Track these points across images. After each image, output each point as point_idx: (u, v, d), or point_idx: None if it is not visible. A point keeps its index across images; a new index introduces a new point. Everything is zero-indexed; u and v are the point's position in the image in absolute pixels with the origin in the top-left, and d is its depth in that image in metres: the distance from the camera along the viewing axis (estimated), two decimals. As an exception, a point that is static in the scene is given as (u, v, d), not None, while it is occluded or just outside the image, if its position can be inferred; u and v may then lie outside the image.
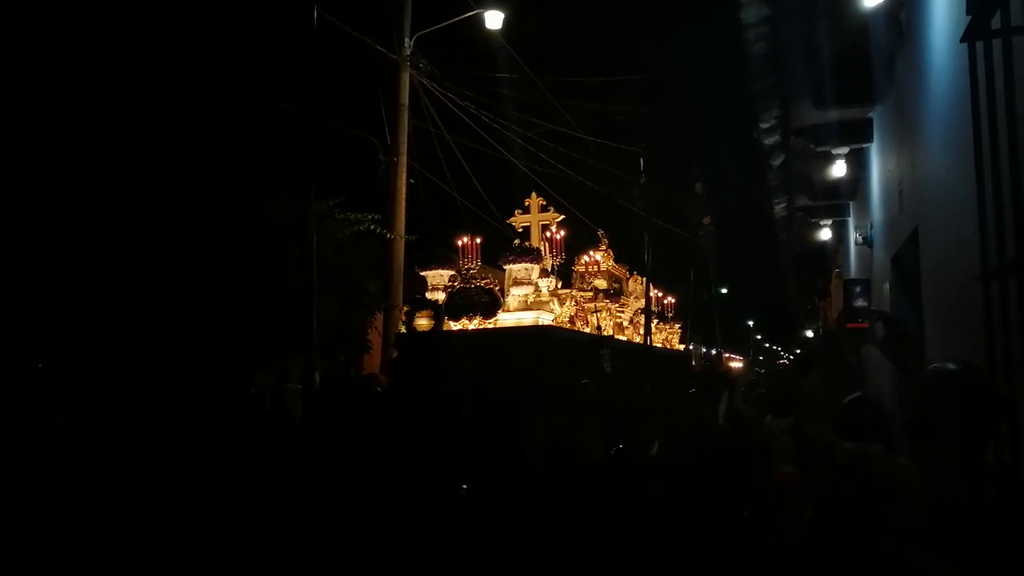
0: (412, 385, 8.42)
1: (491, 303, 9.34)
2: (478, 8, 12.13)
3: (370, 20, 12.15)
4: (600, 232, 13.04)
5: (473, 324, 9.27)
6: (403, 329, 9.83)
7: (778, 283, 26.00)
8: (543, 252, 9.98)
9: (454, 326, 9.37)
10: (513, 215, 11.07)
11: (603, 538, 4.80)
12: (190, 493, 5.88)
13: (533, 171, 14.35)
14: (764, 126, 8.72)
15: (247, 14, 11.37)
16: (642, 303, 12.86)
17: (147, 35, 11.41)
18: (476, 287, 9.47)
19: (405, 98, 12.73)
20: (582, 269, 12.36)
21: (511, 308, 9.41)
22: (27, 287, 10.14)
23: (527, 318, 9.20)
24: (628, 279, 13.48)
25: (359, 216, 12.30)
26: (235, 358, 10.26)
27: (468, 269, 9.74)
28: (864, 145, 8.27)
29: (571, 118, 14.81)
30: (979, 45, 3.09)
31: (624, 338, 11.92)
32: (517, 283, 9.54)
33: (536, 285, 9.51)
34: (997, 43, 2.97)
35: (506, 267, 9.72)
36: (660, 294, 15.48)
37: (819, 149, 8.33)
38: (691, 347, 21.44)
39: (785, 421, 4.40)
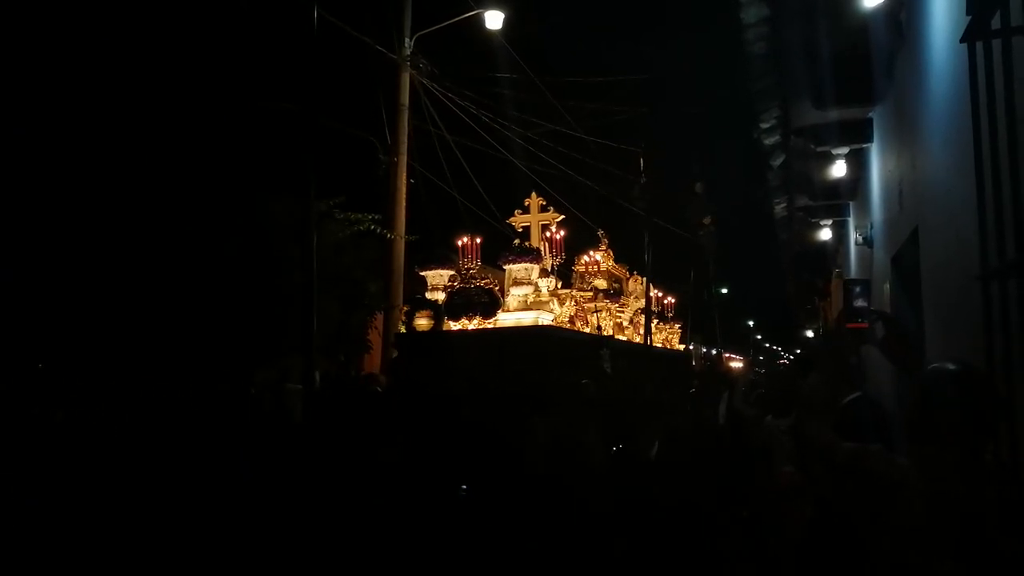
0: (412, 385, 8.42)
1: (491, 303, 9.34)
2: (478, 8, 12.13)
3: (370, 20, 12.16)
4: (600, 232, 13.03)
5: (473, 324, 9.27)
6: (403, 329, 9.83)
7: (778, 283, 26.01)
8: (543, 252, 9.97)
9: (454, 326, 9.37)
10: (513, 215, 11.07)
11: (603, 538, 4.80)
12: (190, 493, 5.88)
13: (533, 171, 14.37)
14: (764, 126, 8.73)
15: (247, 14, 11.38)
16: (642, 303, 12.85)
17: (147, 35, 11.41)
18: (476, 287, 9.46)
19: (405, 98, 12.73)
20: (582, 269, 12.36)
21: (511, 308, 9.41)
22: (27, 287, 10.14)
23: (527, 318, 9.20)
24: (628, 279, 13.47)
25: (359, 216, 12.30)
26: (235, 358, 10.26)
27: (468, 269, 9.74)
28: (864, 145, 8.27)
29: (571, 118, 14.82)
30: (979, 45, 3.09)
31: (624, 338, 11.91)
32: (517, 283, 9.54)
33: (536, 285, 9.50)
34: (997, 43, 2.98)
35: (506, 267, 9.72)
36: (660, 294, 15.47)
37: (819, 149, 8.33)
38: (691, 347, 21.44)
39: (785, 421, 4.40)
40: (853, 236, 9.95)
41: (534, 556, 4.76)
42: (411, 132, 12.87)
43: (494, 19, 11.98)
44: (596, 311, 10.88)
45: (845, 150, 8.34)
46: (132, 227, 10.77)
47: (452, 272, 9.80)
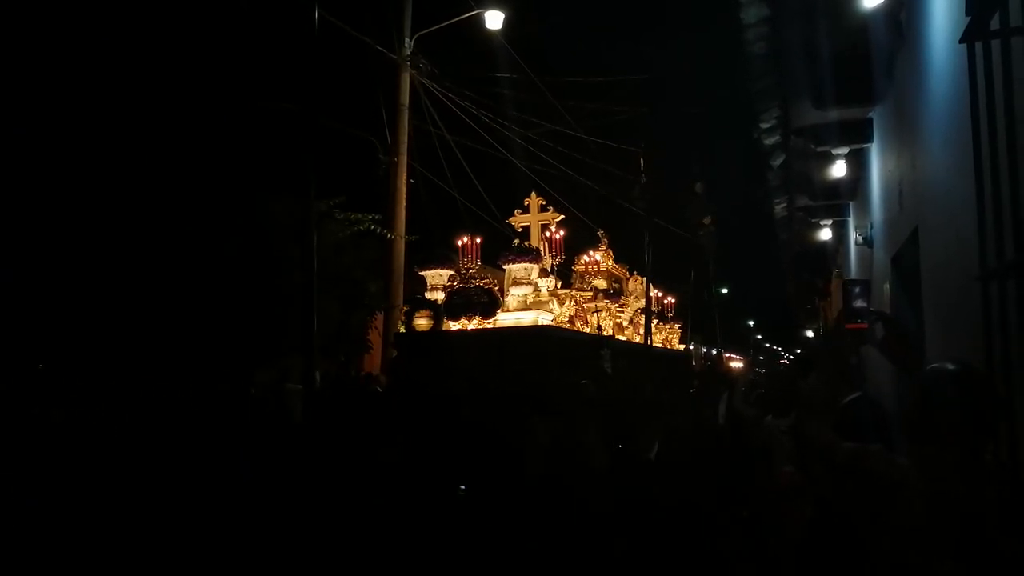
0: (412, 385, 8.42)
1: (490, 303, 9.34)
2: (478, 8, 12.13)
3: (370, 20, 12.17)
4: (600, 232, 13.05)
5: (472, 324, 9.27)
6: (402, 329, 9.83)
7: (778, 283, 26.02)
8: (543, 252, 9.98)
9: (453, 326, 9.37)
10: (513, 215, 11.08)
11: (603, 538, 4.80)
12: (190, 493, 5.88)
13: (533, 171, 14.37)
14: (764, 126, 8.73)
15: (247, 14, 11.38)
16: (642, 303, 12.86)
17: (148, 35, 11.41)
18: (475, 287, 9.47)
19: (405, 98, 12.74)
20: (582, 269, 12.37)
21: (510, 308, 9.41)
22: (27, 287, 10.14)
23: (526, 318, 9.20)
24: (628, 279, 13.48)
25: (359, 216, 12.31)
26: (235, 358, 10.27)
27: (467, 269, 9.74)
28: (864, 145, 8.27)
29: (571, 118, 14.82)
30: (978, 46, 3.09)
31: (624, 338, 11.92)
32: (516, 283, 9.54)
33: (535, 285, 9.51)
34: (996, 44, 2.98)
35: (505, 267, 9.73)
36: (660, 294, 15.48)
37: (819, 149, 8.33)
38: (691, 347, 21.45)
39: (785, 421, 4.40)
40: (853, 236, 9.95)
41: (534, 556, 4.76)
42: (411, 132, 12.88)
43: (494, 19, 11.98)
44: (596, 311, 10.88)
45: (845, 150, 8.34)
46: (132, 227, 10.77)
47: (452, 272, 9.80)
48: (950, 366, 2.20)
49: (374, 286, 12.75)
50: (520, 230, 10.85)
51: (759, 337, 54.64)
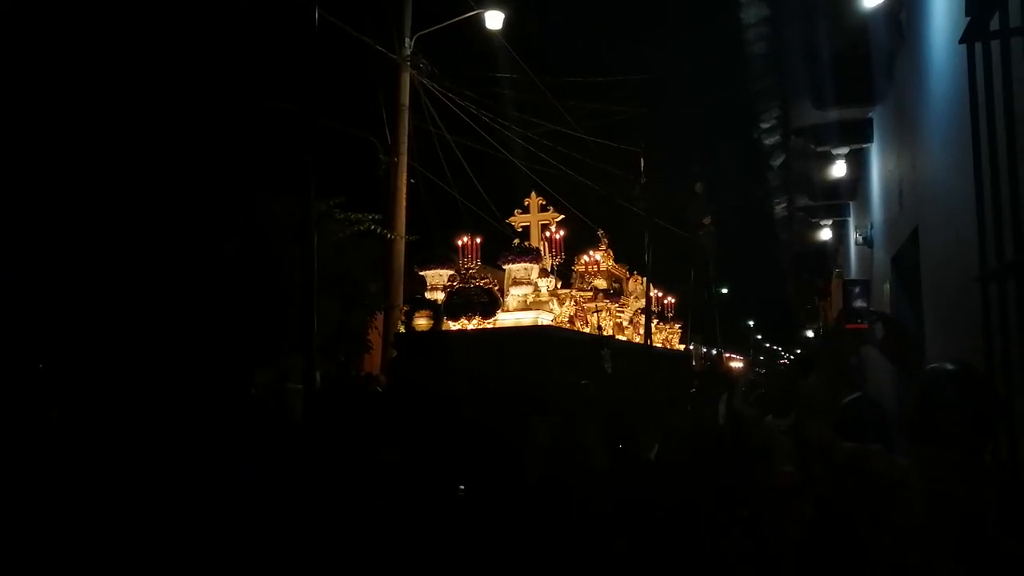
0: (412, 385, 8.42)
1: (490, 303, 9.34)
2: (478, 8, 12.13)
3: (370, 20, 12.17)
4: (600, 232, 13.05)
5: (472, 324, 9.27)
6: (402, 329, 9.83)
7: (778, 283, 26.02)
8: (543, 252, 9.98)
9: (453, 326, 9.37)
10: (513, 215, 11.08)
11: (603, 538, 4.80)
12: (190, 492, 5.88)
13: (533, 171, 14.37)
14: (764, 126, 8.72)
15: (247, 14, 11.38)
16: (642, 303, 12.86)
17: (148, 35, 11.41)
18: (475, 287, 9.47)
19: (405, 98, 12.74)
20: (582, 269, 12.37)
21: (510, 308, 9.41)
22: (27, 287, 10.14)
23: (526, 318, 9.20)
24: (628, 279, 13.48)
25: (359, 216, 12.31)
26: (235, 358, 10.27)
27: (467, 269, 9.74)
28: (864, 145, 8.27)
29: (571, 118, 14.82)
30: (978, 46, 3.09)
31: (624, 338, 11.91)
32: (516, 283, 9.54)
33: (535, 285, 9.50)
34: (996, 44, 2.98)
35: (505, 267, 9.72)
36: (660, 294, 15.48)
37: (819, 149, 8.33)
38: (691, 347, 21.45)
39: (785, 421, 4.40)
40: (853, 236, 9.95)
41: (534, 556, 4.76)
42: (411, 132, 12.88)
43: (494, 19, 11.98)
44: (596, 311, 10.88)
45: (845, 150, 8.34)
46: (132, 227, 10.77)
47: (452, 272, 9.80)
48: (950, 366, 2.20)
49: (374, 286, 12.75)
50: (520, 230, 10.85)
51: (759, 337, 54.67)
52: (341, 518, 5.57)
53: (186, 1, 11.84)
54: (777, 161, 9.87)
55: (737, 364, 27.51)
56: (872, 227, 8.70)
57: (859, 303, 2.90)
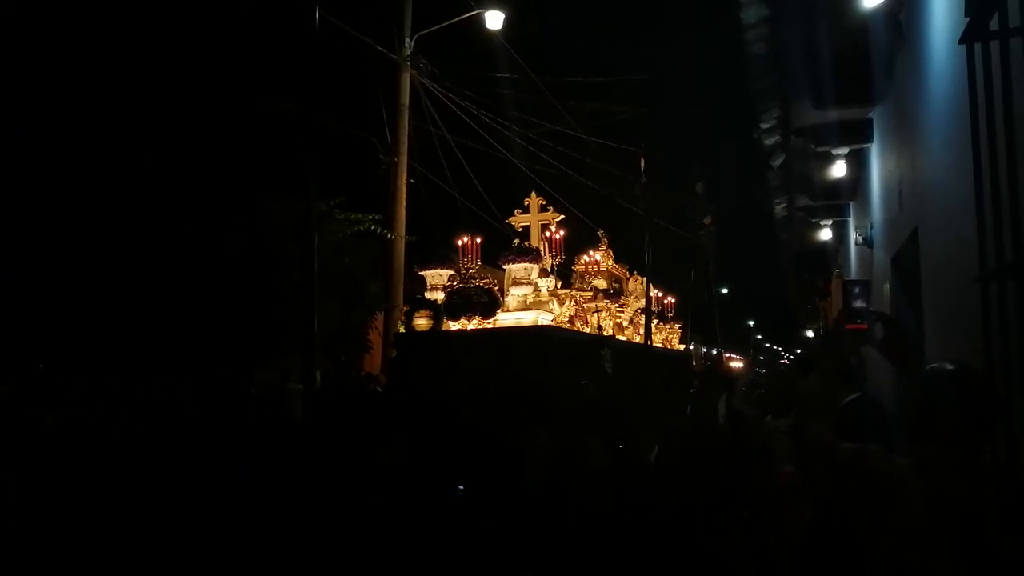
0: (412, 385, 8.42)
1: (490, 303, 9.34)
2: (478, 8, 12.14)
3: (370, 20, 12.17)
4: (600, 232, 13.05)
5: (472, 324, 9.27)
6: (402, 329, 9.84)
7: (778, 283, 26.05)
8: (543, 252, 9.98)
9: (453, 326, 9.37)
10: (513, 215, 11.08)
11: (603, 538, 4.80)
12: (190, 493, 5.88)
13: (533, 171, 14.38)
14: (764, 126, 8.73)
15: (247, 14, 11.38)
16: (642, 303, 12.87)
17: (148, 35, 11.42)
18: (475, 287, 9.47)
19: (405, 98, 12.74)
20: (582, 269, 12.37)
21: (510, 308, 9.41)
22: (27, 287, 10.14)
23: (526, 318, 9.20)
24: (628, 279, 13.49)
25: (359, 216, 12.30)
26: (235, 358, 10.26)
27: (467, 269, 9.75)
28: (864, 145, 8.28)
29: (571, 118, 14.83)
30: (977, 46, 3.10)
31: (624, 338, 11.92)
32: (516, 283, 9.54)
33: (535, 285, 9.51)
34: (995, 44, 2.98)
35: (505, 267, 9.73)
36: (660, 294, 15.49)
37: (819, 149, 8.34)
38: (691, 347, 21.46)
39: (785, 421, 4.40)
40: (853, 236, 9.96)
41: (534, 556, 4.77)
42: (411, 132, 12.88)
43: (494, 19, 11.99)
44: (596, 311, 10.88)
45: (845, 150, 8.34)
46: (132, 227, 10.77)
47: (452, 272, 9.81)
48: (949, 366, 2.20)
49: (374, 286, 12.75)
50: (520, 230, 10.86)
51: (759, 337, 54.69)
52: (341, 518, 5.57)
53: (186, 1, 11.85)
54: (777, 161, 9.88)
55: (737, 364, 27.51)
56: (872, 227, 8.71)
57: (859, 303, 2.90)
